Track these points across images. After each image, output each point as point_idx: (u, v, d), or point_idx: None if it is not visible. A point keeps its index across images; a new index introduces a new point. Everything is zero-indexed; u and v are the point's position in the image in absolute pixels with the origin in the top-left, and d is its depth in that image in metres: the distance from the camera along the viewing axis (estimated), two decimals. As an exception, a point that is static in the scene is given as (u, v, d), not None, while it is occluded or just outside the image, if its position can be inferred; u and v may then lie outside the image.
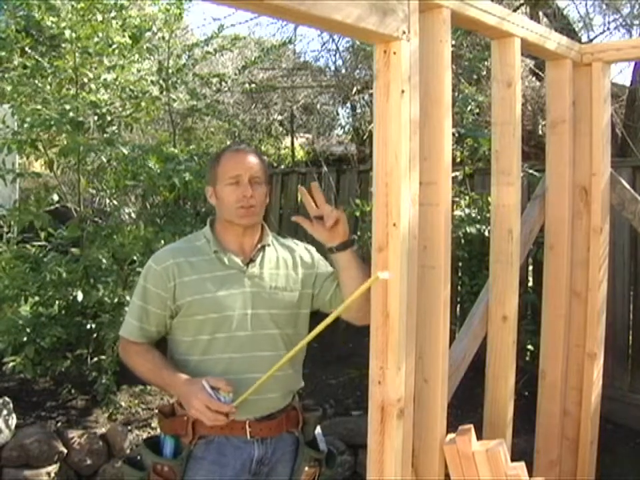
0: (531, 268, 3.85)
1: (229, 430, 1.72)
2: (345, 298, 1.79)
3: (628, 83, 5.06)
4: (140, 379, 1.84)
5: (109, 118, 3.67)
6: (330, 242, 1.74)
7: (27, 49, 3.69)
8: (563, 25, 4.81)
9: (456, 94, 4.09)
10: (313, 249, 1.93)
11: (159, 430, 1.89)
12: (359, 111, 7.45)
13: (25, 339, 3.26)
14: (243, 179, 1.74)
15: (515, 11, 4.21)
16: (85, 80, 3.67)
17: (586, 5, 5.25)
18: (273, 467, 1.79)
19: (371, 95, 5.93)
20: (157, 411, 1.89)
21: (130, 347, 1.80)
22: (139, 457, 1.80)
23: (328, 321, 1.56)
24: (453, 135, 2.11)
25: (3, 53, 3.67)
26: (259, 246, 1.81)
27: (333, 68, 6.91)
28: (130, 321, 1.80)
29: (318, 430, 1.91)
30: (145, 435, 3.27)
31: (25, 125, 3.40)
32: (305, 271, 1.86)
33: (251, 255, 1.79)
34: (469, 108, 3.90)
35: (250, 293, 1.75)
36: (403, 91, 1.48)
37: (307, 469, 1.81)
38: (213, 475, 1.71)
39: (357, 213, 3.93)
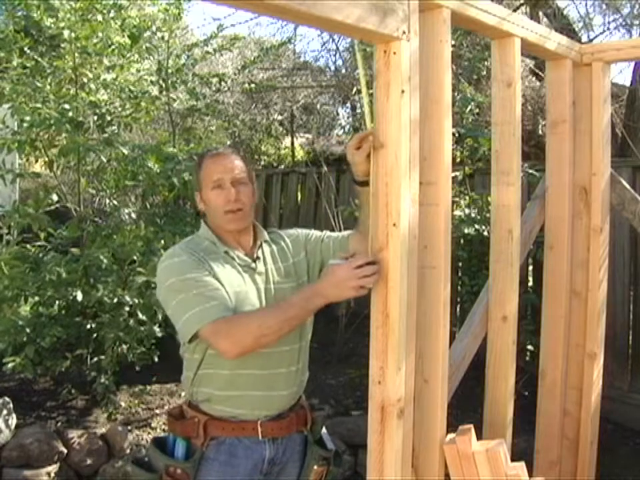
0: (531, 268, 3.85)
1: (240, 431, 1.72)
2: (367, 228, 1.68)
3: (628, 83, 5.06)
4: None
5: (108, 118, 3.67)
6: (365, 175, 1.61)
7: (26, 49, 3.69)
8: (563, 25, 4.81)
9: (456, 94, 4.09)
10: (293, 231, 1.92)
11: (159, 430, 1.89)
12: (358, 111, 7.45)
13: (24, 339, 3.26)
14: (225, 182, 1.73)
15: (515, 11, 4.20)
16: (85, 80, 3.67)
17: (586, 4, 5.25)
18: (284, 466, 1.80)
19: (371, 94, 5.92)
20: (166, 414, 1.87)
21: (222, 325, 1.56)
22: (146, 458, 1.80)
23: None
24: (453, 134, 2.11)
25: (2, 54, 3.67)
26: (259, 243, 1.82)
27: (333, 68, 6.92)
28: (194, 311, 1.58)
29: (324, 429, 1.91)
30: (145, 435, 3.27)
31: (24, 125, 3.40)
32: (296, 260, 1.86)
33: (254, 252, 1.80)
34: (468, 108, 3.90)
35: (262, 289, 1.76)
36: (402, 91, 1.48)
37: (316, 467, 1.82)
38: (225, 476, 1.71)
39: (357, 213, 3.92)
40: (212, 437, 1.72)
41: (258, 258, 1.79)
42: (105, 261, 3.42)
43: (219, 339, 1.58)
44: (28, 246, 3.59)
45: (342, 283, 1.52)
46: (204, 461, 1.71)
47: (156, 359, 3.54)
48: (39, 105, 3.36)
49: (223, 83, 4.84)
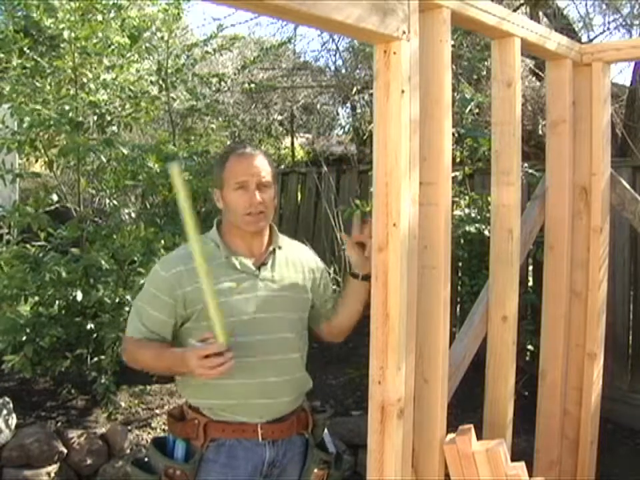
0: (531, 268, 3.85)
1: (240, 433, 1.72)
2: (339, 320, 1.91)
3: (628, 83, 5.06)
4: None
5: (108, 118, 3.67)
6: (360, 269, 1.79)
7: (25, 49, 3.69)
8: (563, 25, 4.81)
9: (456, 94, 4.08)
10: (317, 258, 1.96)
11: (159, 430, 1.89)
12: (359, 111, 7.45)
13: (24, 338, 3.26)
14: (250, 185, 1.72)
15: (515, 11, 4.21)
16: (84, 80, 3.67)
17: (586, 4, 5.25)
18: (284, 469, 1.80)
19: (371, 94, 5.92)
20: (167, 414, 1.87)
21: (129, 343, 1.79)
22: (146, 459, 1.80)
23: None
24: (453, 135, 2.12)
25: (2, 54, 3.66)
26: (270, 249, 1.81)
27: (333, 68, 6.92)
28: (130, 318, 1.81)
29: (325, 431, 1.91)
30: (145, 435, 3.27)
31: (24, 125, 3.40)
32: (310, 276, 1.87)
33: (262, 258, 1.79)
34: (468, 108, 3.90)
35: (263, 296, 1.75)
36: (402, 91, 1.48)
37: (316, 470, 1.81)
38: (225, 477, 1.71)
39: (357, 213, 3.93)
40: (212, 438, 1.72)
41: (264, 264, 1.78)
42: (104, 262, 3.42)
43: (122, 351, 1.88)
44: (28, 246, 3.58)
45: (190, 365, 1.59)
46: (204, 462, 1.71)
47: (156, 359, 3.54)
48: (38, 107, 3.35)
49: (222, 83, 4.84)
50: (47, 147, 3.65)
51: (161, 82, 4.13)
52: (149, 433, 3.30)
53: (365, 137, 6.91)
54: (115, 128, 3.75)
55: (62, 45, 3.76)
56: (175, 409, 1.85)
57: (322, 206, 5.10)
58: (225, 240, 1.78)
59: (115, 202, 3.89)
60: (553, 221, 2.26)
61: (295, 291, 1.81)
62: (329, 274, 2.03)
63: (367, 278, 1.76)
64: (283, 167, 7.40)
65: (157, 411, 3.51)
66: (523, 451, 2.28)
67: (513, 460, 1.71)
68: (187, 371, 1.65)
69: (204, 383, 1.71)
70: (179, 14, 4.09)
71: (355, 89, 6.33)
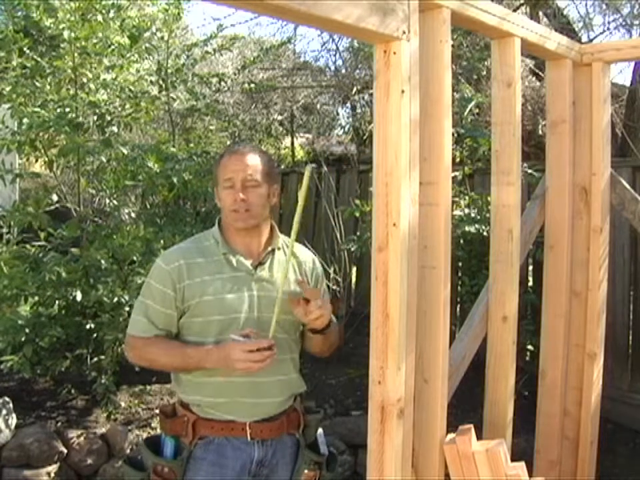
0: (531, 268, 3.85)
1: (229, 431, 1.72)
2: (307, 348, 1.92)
3: (628, 83, 5.06)
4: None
5: (108, 118, 3.67)
6: (304, 323, 1.77)
7: (25, 49, 3.69)
8: (563, 25, 4.81)
9: (456, 94, 4.08)
10: (317, 262, 1.94)
11: (159, 430, 1.89)
12: (359, 111, 7.45)
13: (23, 338, 3.26)
14: (236, 182, 1.74)
15: (515, 11, 4.21)
16: (84, 80, 3.67)
17: (586, 5, 5.25)
18: (273, 468, 1.79)
19: (371, 94, 5.92)
20: (158, 411, 1.88)
21: (138, 342, 1.77)
22: (139, 457, 1.80)
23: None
24: (453, 135, 2.12)
25: (2, 53, 3.66)
26: (269, 249, 1.81)
27: (332, 68, 6.92)
28: (135, 318, 1.79)
29: (320, 432, 1.91)
30: (145, 435, 3.27)
31: (24, 126, 3.39)
32: (308, 279, 1.87)
33: (260, 258, 1.79)
34: (468, 108, 3.90)
35: (257, 296, 1.75)
36: (402, 91, 1.48)
37: (306, 471, 1.81)
38: (213, 476, 1.71)
39: (357, 213, 3.93)
40: (200, 436, 1.73)
41: (261, 263, 1.78)
42: (104, 261, 3.41)
43: (127, 350, 1.85)
44: (28, 246, 3.58)
45: (231, 361, 1.61)
46: (192, 459, 1.72)
47: (156, 359, 3.53)
48: (37, 109, 3.35)
49: (222, 83, 4.84)
50: (47, 147, 3.65)
51: (160, 82, 4.13)
52: (149, 432, 3.30)
53: (364, 137, 6.91)
54: (114, 128, 3.74)
55: (62, 45, 3.76)
56: (167, 406, 1.85)
57: (322, 206, 5.09)
58: (225, 237, 1.79)
59: (115, 202, 3.89)
60: (553, 221, 2.26)
61: (293, 292, 1.80)
62: (329, 274, 1.99)
63: (311, 332, 1.78)
64: (283, 167, 7.40)
65: (157, 411, 3.51)
66: (523, 451, 2.28)
67: (513, 460, 1.71)
68: (211, 366, 1.66)
69: (195, 379, 1.72)
70: (179, 14, 4.09)
71: (355, 89, 6.33)
